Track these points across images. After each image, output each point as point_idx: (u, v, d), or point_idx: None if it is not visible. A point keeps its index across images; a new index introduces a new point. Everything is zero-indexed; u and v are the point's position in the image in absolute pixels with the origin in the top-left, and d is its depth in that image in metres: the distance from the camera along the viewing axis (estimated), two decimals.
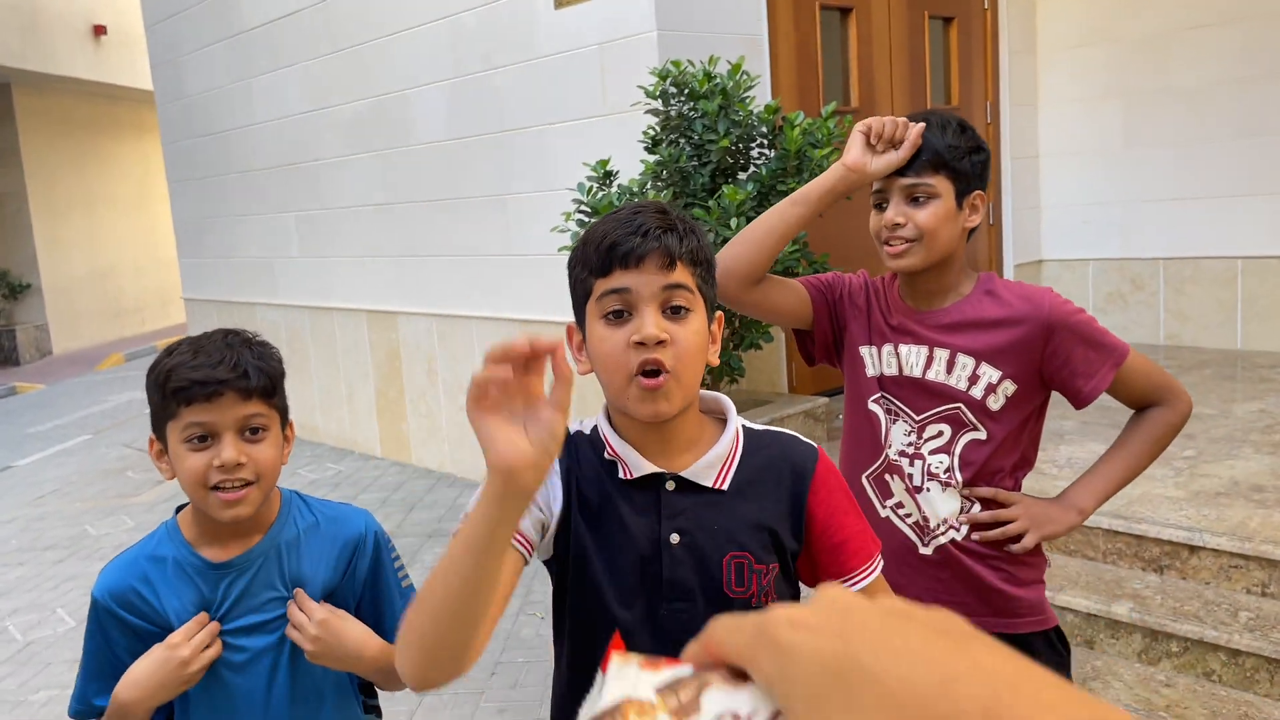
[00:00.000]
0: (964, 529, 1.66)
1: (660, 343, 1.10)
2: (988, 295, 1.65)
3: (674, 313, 1.13)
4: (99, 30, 13.16)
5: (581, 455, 1.22)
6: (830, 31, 4.66)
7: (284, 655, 1.35)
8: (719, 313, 1.23)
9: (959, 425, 1.64)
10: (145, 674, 1.27)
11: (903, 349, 1.67)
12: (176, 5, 7.46)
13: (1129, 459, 1.66)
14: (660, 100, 3.58)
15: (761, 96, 4.18)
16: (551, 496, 1.20)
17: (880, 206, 1.64)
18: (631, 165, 3.81)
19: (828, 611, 0.37)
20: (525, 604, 3.88)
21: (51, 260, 13.34)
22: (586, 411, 4.65)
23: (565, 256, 4.16)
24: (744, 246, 1.68)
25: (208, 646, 1.29)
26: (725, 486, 1.18)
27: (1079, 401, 1.62)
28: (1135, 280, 5.45)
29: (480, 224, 5.20)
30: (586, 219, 3.63)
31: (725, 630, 0.40)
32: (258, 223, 7.08)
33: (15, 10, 11.82)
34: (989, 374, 1.61)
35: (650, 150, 3.67)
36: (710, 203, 3.41)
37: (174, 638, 1.29)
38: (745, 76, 3.58)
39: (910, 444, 1.68)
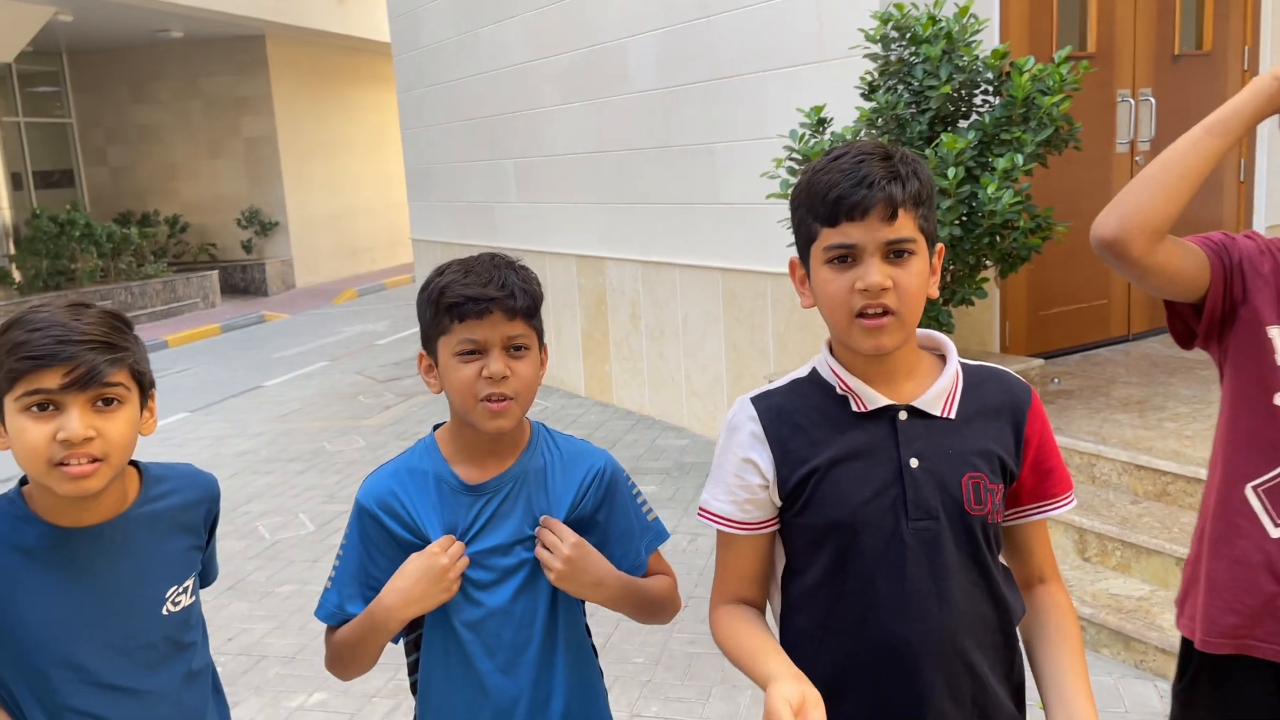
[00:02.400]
0: None
1: (883, 289, 1.18)
2: None
3: (896, 256, 1.19)
4: None
5: (801, 403, 1.30)
6: None
7: (532, 577, 1.39)
8: (939, 245, 1.28)
9: None
10: (409, 580, 1.32)
11: None
12: None
13: None
14: (880, 45, 3.49)
15: (989, 41, 3.98)
16: (761, 464, 1.29)
17: None
18: (846, 113, 3.74)
19: None
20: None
21: (297, 201, 14.55)
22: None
23: (772, 205, 4.17)
24: (1152, 195, 1.36)
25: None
26: (953, 415, 1.27)
27: None
28: None
29: (688, 172, 5.25)
30: (797, 166, 3.60)
31: None
32: (480, 169, 7.44)
33: None
34: None
35: (867, 97, 3.59)
36: (928, 151, 3.31)
37: (433, 547, 1.35)
38: (973, 20, 3.42)
39: None
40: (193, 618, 1.38)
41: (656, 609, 1.50)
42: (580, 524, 1.44)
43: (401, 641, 1.45)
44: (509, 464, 1.41)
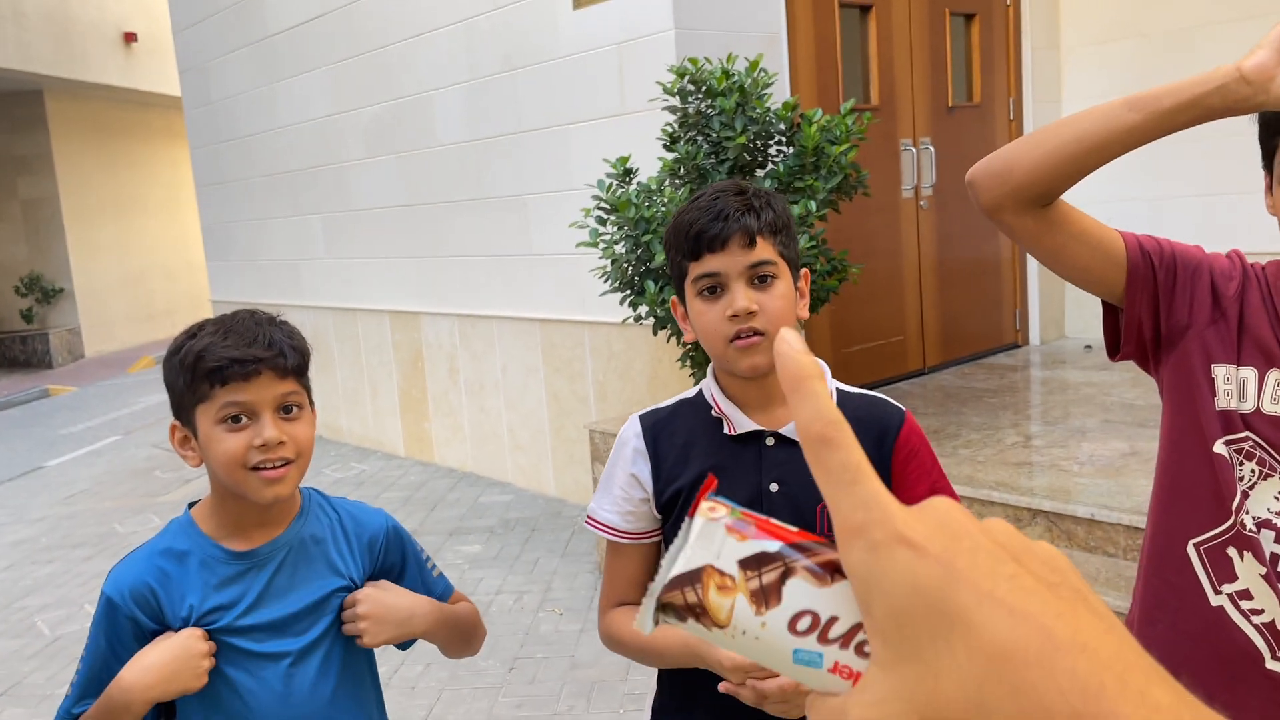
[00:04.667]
0: None
1: (750, 313, 1.26)
2: None
3: (760, 282, 1.28)
4: (129, 37, 13.35)
5: (680, 423, 1.39)
6: (850, 28, 4.65)
7: (312, 651, 1.31)
8: (804, 269, 1.37)
9: None
10: (159, 660, 1.20)
11: None
12: (204, 11, 7.55)
13: None
14: (678, 98, 3.59)
15: (780, 94, 4.17)
16: (642, 479, 1.38)
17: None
18: (650, 163, 3.82)
19: (937, 530, 0.34)
20: (545, 600, 3.89)
21: (84, 264, 13.54)
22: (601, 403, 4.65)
23: (583, 254, 4.18)
24: (1027, 145, 1.20)
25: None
26: None
27: None
28: None
29: (500, 224, 5.22)
30: (606, 215, 3.64)
31: (840, 494, 0.36)
32: (283, 225, 7.15)
33: (48, 19, 12.02)
34: None
35: (668, 148, 3.68)
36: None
37: (195, 629, 1.24)
38: (763, 74, 3.57)
39: None
40: None
41: (469, 634, 1.48)
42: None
43: None
44: (280, 531, 1.32)
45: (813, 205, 3.40)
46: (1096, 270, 1.23)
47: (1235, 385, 1.19)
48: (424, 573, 1.44)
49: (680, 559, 0.40)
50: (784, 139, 3.66)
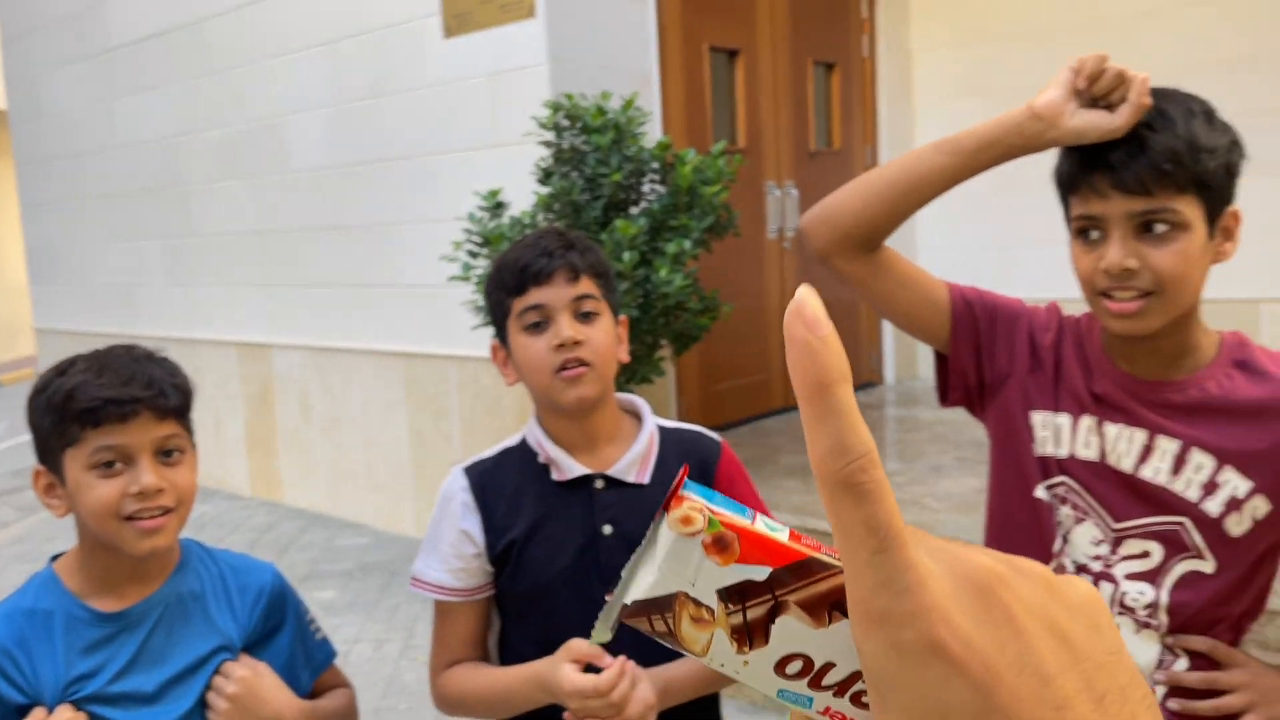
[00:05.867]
0: (1160, 690, 1.18)
1: (577, 343, 1.27)
2: (1240, 368, 1.16)
3: (584, 318, 1.30)
4: None
5: (507, 472, 1.36)
6: (719, 72, 4.74)
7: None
8: (623, 316, 1.39)
9: (1176, 548, 1.16)
10: None
11: (1110, 429, 1.19)
12: (34, 21, 7.05)
13: None
14: (553, 132, 3.55)
15: (653, 133, 4.20)
16: (472, 533, 1.34)
17: (1086, 235, 1.14)
18: (522, 196, 3.76)
19: (982, 628, 0.29)
20: (407, 648, 3.72)
21: None
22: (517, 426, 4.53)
23: (454, 287, 4.08)
24: (850, 192, 1.24)
25: None
26: (647, 480, 1.34)
27: None
28: None
29: (364, 254, 5.04)
30: (478, 249, 3.55)
31: (861, 563, 0.29)
32: (119, 249, 6.70)
33: None
34: (1234, 483, 1.13)
35: (542, 182, 3.63)
36: (603, 235, 3.38)
37: (39, 713, 1.11)
38: (638, 112, 3.58)
39: (1099, 557, 1.20)
40: None
41: None
42: (249, 651, 1.27)
43: None
44: (155, 587, 1.20)
45: (687, 244, 3.42)
46: (921, 317, 1.28)
47: (1051, 431, 1.23)
48: (305, 636, 1.33)
49: (646, 578, 0.34)
50: (657, 178, 3.67)
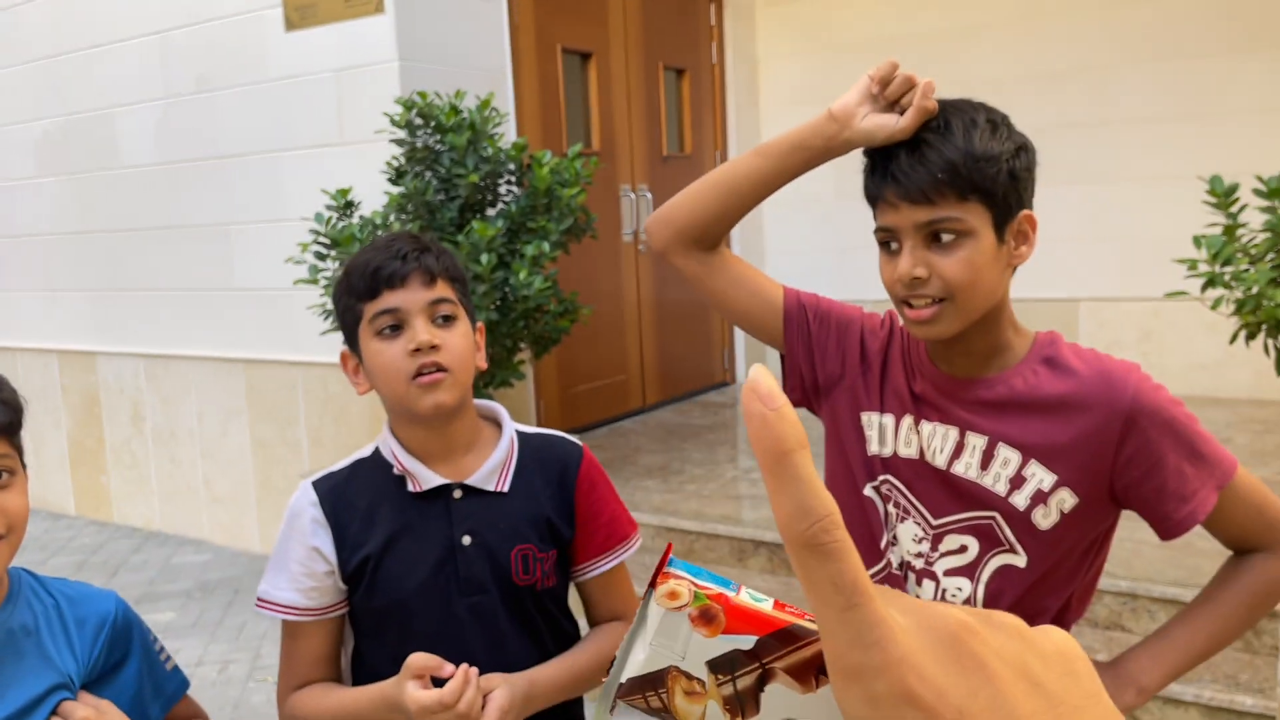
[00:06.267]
0: None
1: (434, 347, 1.23)
2: (1047, 365, 1.18)
3: (443, 321, 1.26)
4: None
5: (360, 486, 1.31)
6: (572, 74, 4.74)
7: None
8: (480, 323, 1.35)
9: (990, 542, 1.20)
10: None
11: (925, 427, 1.23)
12: None
13: (1216, 622, 1.18)
14: (405, 131, 3.46)
15: (509, 134, 4.16)
16: (323, 550, 1.28)
17: (888, 246, 1.17)
18: (373, 196, 3.65)
19: (951, 675, 0.29)
20: (254, 669, 3.55)
21: None
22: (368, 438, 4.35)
23: (300, 291, 3.92)
24: (684, 195, 1.32)
25: None
26: (506, 489, 1.31)
27: (1167, 531, 1.16)
28: None
29: (199, 256, 4.77)
30: (326, 250, 3.42)
31: (833, 620, 0.30)
32: None
33: None
34: (1040, 477, 1.16)
35: (394, 182, 3.54)
36: (459, 237, 3.32)
37: None
38: (494, 112, 3.54)
39: (921, 554, 1.24)
40: None
41: None
42: (92, 687, 1.18)
43: None
44: None
45: (546, 246, 3.40)
46: (756, 315, 1.33)
47: (876, 431, 1.27)
48: (154, 666, 1.24)
49: (639, 654, 0.34)
50: (514, 179, 3.64)
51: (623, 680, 0.35)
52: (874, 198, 1.18)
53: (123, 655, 1.21)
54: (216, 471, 4.89)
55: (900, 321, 1.28)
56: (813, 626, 0.34)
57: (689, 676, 0.34)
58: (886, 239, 1.17)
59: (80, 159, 5.16)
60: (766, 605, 0.34)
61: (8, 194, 5.54)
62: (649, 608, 0.35)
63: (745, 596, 0.35)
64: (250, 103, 4.43)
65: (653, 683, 0.34)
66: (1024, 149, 1.14)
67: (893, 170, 1.13)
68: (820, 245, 5.84)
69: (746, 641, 0.34)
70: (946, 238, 1.11)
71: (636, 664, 0.34)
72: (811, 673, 0.33)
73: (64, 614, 1.17)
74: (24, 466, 1.13)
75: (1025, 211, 1.16)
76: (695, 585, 0.35)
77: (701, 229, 1.29)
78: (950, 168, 1.09)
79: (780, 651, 0.33)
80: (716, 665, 0.34)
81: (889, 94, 1.16)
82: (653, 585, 0.35)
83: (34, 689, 1.10)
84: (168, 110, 4.75)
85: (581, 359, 4.74)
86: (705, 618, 0.34)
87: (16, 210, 5.52)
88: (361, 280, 1.25)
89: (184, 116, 4.69)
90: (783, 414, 0.31)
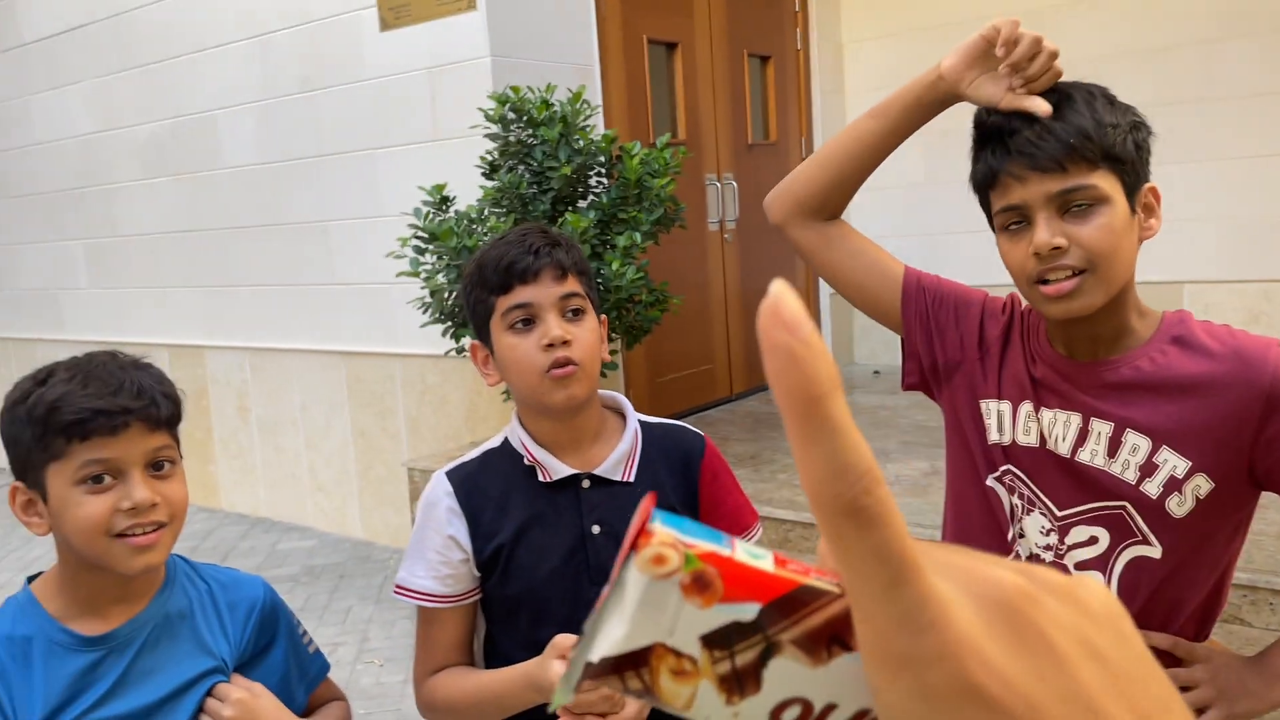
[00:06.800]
0: None
1: (566, 342, 1.25)
2: (1177, 344, 1.12)
3: (573, 315, 1.28)
4: None
5: (491, 476, 1.34)
6: (658, 65, 4.76)
7: None
8: (603, 316, 1.37)
9: (1122, 533, 1.14)
10: None
11: (1045, 414, 1.17)
12: None
13: None
14: (499, 125, 3.53)
15: (598, 126, 4.20)
16: (459, 539, 1.31)
17: (1009, 228, 1.14)
18: (467, 190, 3.73)
19: (1020, 661, 0.25)
20: (362, 651, 3.67)
21: None
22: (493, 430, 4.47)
23: (399, 284, 4.03)
24: (804, 165, 1.32)
25: None
26: (632, 478, 1.33)
27: None
28: None
29: (299, 252, 4.94)
30: (424, 245, 3.52)
31: (872, 597, 0.25)
32: (37, 251, 6.46)
33: None
34: (1173, 463, 1.10)
35: (488, 176, 3.61)
36: (553, 230, 3.38)
37: None
38: (585, 105, 3.58)
39: (1050, 546, 1.19)
40: None
41: None
42: (242, 669, 1.23)
43: None
44: (141, 607, 1.15)
45: (637, 237, 3.43)
46: (872, 291, 1.31)
47: (995, 419, 1.23)
48: (299, 650, 1.30)
49: (615, 631, 0.29)
50: (603, 171, 3.68)
51: (592, 659, 0.29)
52: (991, 176, 1.13)
53: (270, 639, 1.26)
54: (320, 461, 5.07)
55: (1023, 304, 1.24)
56: (824, 585, 0.28)
57: (678, 654, 0.28)
58: (1010, 219, 1.13)
59: (186, 160, 5.38)
60: (768, 563, 0.29)
61: (117, 195, 5.80)
62: (628, 575, 0.28)
63: (743, 553, 0.29)
64: (347, 102, 4.56)
65: (633, 662, 0.29)
66: (1140, 122, 1.13)
67: (1017, 144, 1.10)
68: (909, 229, 5.75)
69: (748, 610, 0.28)
70: (1081, 205, 1.08)
71: (613, 641, 0.29)
72: (823, 642, 0.28)
73: (216, 599, 1.22)
74: (182, 457, 1.18)
75: (1149, 184, 1.13)
76: (685, 545, 0.28)
77: (822, 197, 1.30)
78: (1082, 134, 1.07)
79: (788, 620, 0.28)
80: (711, 639, 0.28)
81: (1018, 56, 1.11)
82: (633, 548, 0.28)
83: (189, 671, 1.16)
84: (268, 111, 4.92)
85: (669, 348, 4.77)
86: (699, 585, 0.28)
87: (126, 212, 5.78)
88: (495, 274, 1.27)
89: (284, 117, 4.85)
90: (813, 346, 0.25)
